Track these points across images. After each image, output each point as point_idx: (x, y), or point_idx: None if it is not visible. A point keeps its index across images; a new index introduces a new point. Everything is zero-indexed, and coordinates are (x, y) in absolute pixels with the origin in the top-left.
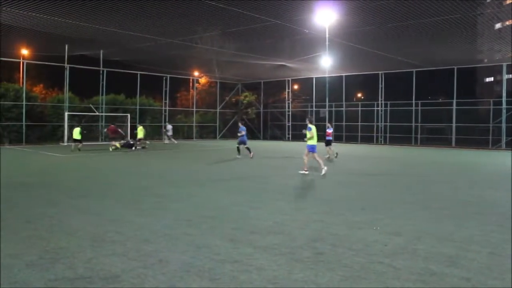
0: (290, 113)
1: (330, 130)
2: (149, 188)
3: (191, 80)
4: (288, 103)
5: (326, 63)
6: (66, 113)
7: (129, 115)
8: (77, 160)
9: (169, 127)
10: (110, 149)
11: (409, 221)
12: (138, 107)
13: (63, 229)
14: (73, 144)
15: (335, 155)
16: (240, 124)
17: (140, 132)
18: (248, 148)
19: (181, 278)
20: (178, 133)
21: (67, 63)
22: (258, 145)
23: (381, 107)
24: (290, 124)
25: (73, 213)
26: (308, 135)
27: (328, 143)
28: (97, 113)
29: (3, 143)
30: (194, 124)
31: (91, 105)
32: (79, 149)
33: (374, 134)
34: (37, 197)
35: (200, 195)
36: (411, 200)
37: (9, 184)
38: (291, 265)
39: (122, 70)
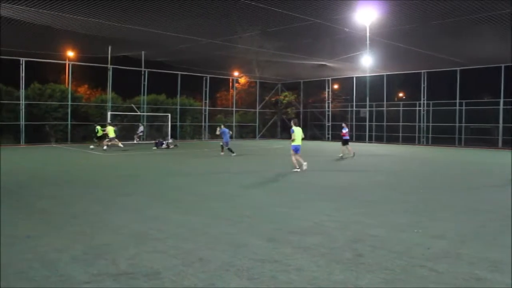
0: (330, 113)
1: (345, 130)
2: (188, 186)
3: (231, 80)
4: (328, 103)
5: (367, 62)
6: (109, 113)
7: (169, 115)
8: (118, 159)
9: (141, 128)
10: (92, 147)
11: (452, 224)
12: (178, 107)
13: (106, 225)
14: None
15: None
16: (222, 126)
17: (111, 131)
18: (229, 149)
19: (221, 277)
20: None
21: (110, 64)
22: None
23: (423, 107)
24: (330, 124)
25: (116, 211)
26: (292, 137)
27: (345, 142)
28: (139, 113)
29: (50, 142)
30: (234, 124)
31: (133, 105)
32: (99, 146)
33: (416, 135)
34: (81, 195)
35: (238, 194)
36: (454, 202)
37: (55, 181)
38: (331, 266)
39: (163, 71)
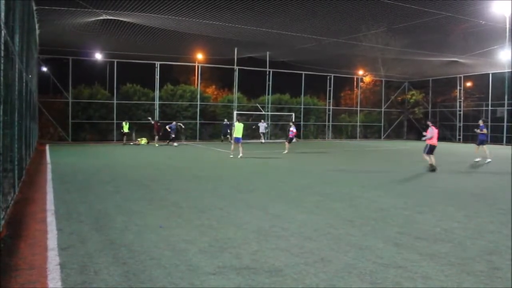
0: (461, 112)
1: (293, 129)
2: (310, 186)
3: (355, 79)
4: (460, 101)
5: (506, 57)
6: (235, 112)
7: (293, 114)
8: (238, 159)
9: (173, 125)
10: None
11: None
12: (302, 106)
13: (231, 220)
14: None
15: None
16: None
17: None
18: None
19: (342, 279)
20: (342, 132)
21: (236, 65)
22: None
23: None
24: (461, 125)
25: (240, 207)
26: (233, 129)
27: (290, 140)
28: (263, 112)
29: (181, 140)
30: (358, 124)
31: (257, 105)
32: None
33: None
34: (208, 190)
35: (361, 196)
36: None
37: (186, 176)
38: (461, 277)
39: (287, 71)
